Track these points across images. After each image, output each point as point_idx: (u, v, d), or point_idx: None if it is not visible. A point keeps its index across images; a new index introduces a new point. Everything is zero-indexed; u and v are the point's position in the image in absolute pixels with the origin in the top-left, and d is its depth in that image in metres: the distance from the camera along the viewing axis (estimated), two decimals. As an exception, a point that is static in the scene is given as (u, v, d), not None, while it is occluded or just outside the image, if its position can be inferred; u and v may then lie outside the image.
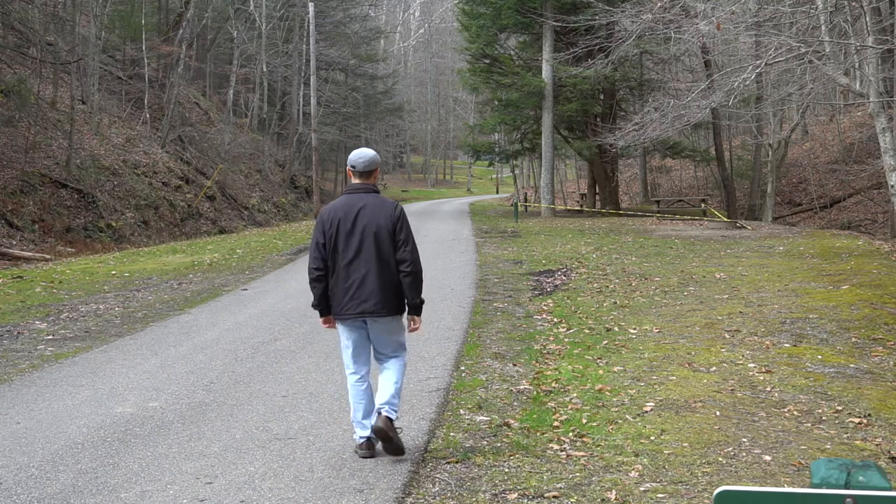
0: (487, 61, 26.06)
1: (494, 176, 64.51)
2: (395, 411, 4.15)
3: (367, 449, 4.14)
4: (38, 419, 4.89)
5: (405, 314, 4.28)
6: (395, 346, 4.31)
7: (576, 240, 16.42)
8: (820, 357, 6.20)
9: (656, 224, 20.55)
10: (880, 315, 7.50)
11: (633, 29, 13.07)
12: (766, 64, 11.55)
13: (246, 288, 10.65)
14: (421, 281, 4.26)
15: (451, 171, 74.68)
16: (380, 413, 4.07)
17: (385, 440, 4.01)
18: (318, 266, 4.19)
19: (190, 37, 33.03)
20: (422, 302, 4.29)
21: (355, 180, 4.32)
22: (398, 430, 4.13)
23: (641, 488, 3.73)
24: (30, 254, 15.77)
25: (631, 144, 18.35)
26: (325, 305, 4.24)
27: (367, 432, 4.14)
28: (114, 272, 12.44)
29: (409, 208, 33.59)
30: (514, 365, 6.26)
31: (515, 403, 5.22)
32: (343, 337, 4.31)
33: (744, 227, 18.44)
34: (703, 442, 4.34)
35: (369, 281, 4.11)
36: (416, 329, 4.33)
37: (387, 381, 4.23)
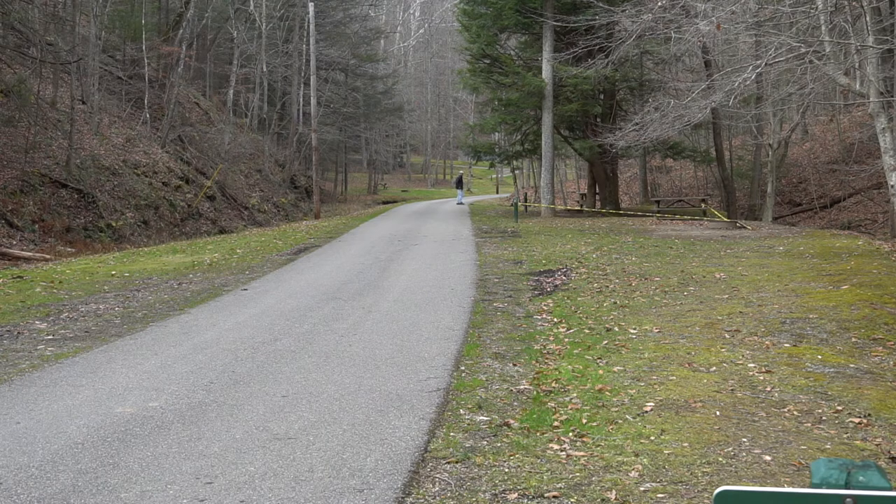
0: (488, 61, 26.05)
1: (494, 176, 64.52)
2: None
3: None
4: (38, 419, 4.89)
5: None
6: None
7: (576, 240, 16.42)
8: (820, 357, 6.20)
9: (656, 224, 20.55)
10: (880, 315, 7.50)
11: (633, 29, 13.06)
12: (766, 64, 11.55)
13: (246, 288, 10.65)
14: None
15: (451, 171, 74.62)
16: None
17: None
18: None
19: (190, 37, 33.03)
20: None
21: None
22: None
23: (641, 488, 3.73)
24: (30, 254, 15.77)
25: (631, 145, 18.34)
26: None
27: None
28: (114, 272, 12.44)
29: (410, 208, 33.60)
30: (514, 365, 6.26)
31: (515, 403, 5.22)
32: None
33: (744, 227, 18.44)
34: (703, 442, 4.34)
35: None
36: None
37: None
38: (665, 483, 3.79)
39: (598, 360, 6.29)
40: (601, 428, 4.64)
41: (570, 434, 4.54)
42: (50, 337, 7.51)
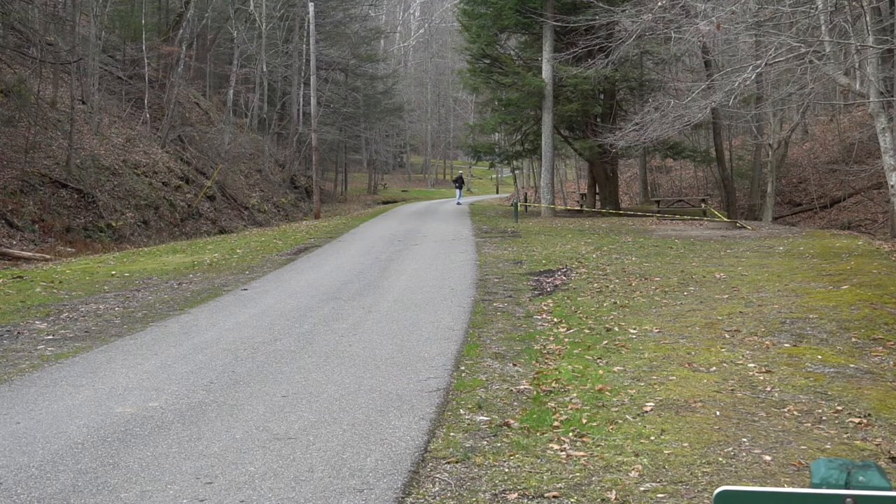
0: (488, 61, 26.05)
1: (494, 176, 64.53)
2: None
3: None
4: (38, 419, 4.89)
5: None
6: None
7: (576, 240, 16.42)
8: (820, 357, 6.20)
9: (656, 224, 20.55)
10: (880, 315, 7.50)
11: (633, 29, 13.06)
12: (766, 64, 11.55)
13: (246, 288, 10.65)
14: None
15: (451, 171, 74.67)
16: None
17: None
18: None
19: (190, 37, 33.03)
20: None
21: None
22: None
23: (641, 488, 3.73)
24: (30, 254, 15.77)
25: (631, 145, 18.34)
26: None
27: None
28: (114, 272, 12.44)
29: (410, 208, 33.59)
30: (514, 365, 6.26)
31: (515, 403, 5.22)
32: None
33: (744, 227, 18.44)
34: (703, 442, 4.34)
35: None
36: None
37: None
38: (665, 483, 3.79)
39: (598, 360, 6.29)
40: (601, 428, 4.65)
41: (570, 434, 4.54)
42: (50, 337, 7.51)
